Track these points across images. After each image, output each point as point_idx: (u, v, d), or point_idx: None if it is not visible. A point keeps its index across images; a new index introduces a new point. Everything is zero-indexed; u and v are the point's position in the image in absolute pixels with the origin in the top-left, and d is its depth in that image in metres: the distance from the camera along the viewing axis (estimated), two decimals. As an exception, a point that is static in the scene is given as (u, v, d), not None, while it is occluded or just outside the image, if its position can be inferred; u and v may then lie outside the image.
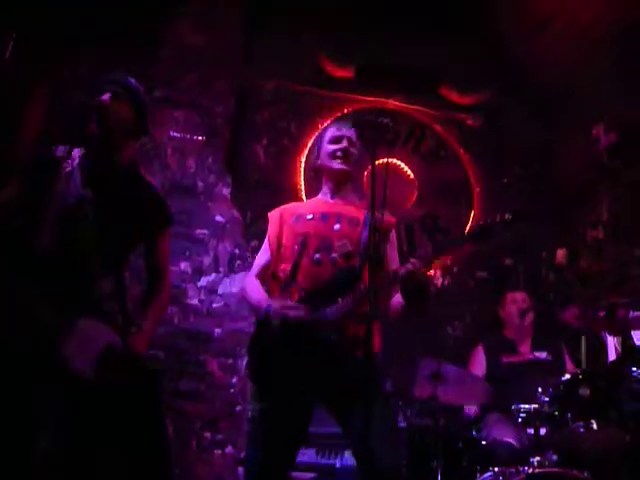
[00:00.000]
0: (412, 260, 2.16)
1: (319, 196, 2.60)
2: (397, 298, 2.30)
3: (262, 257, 2.51)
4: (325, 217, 2.42)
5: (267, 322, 2.21)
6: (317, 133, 2.58)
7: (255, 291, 2.40)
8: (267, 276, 2.44)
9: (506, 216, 2.13)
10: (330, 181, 2.55)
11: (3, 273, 1.97)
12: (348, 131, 2.54)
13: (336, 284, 2.24)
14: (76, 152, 2.12)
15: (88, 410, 1.98)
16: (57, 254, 2.00)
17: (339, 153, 2.49)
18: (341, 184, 2.53)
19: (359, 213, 2.45)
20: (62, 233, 2.01)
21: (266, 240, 2.52)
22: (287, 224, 2.46)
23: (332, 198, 2.53)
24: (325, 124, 4.54)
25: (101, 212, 2.05)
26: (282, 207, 2.60)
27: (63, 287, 1.98)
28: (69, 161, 2.06)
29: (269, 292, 2.39)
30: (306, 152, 4.49)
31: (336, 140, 2.53)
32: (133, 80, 2.24)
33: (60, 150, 2.11)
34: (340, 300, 2.19)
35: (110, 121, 2.11)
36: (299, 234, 2.38)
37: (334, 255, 2.30)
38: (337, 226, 2.38)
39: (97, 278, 2.04)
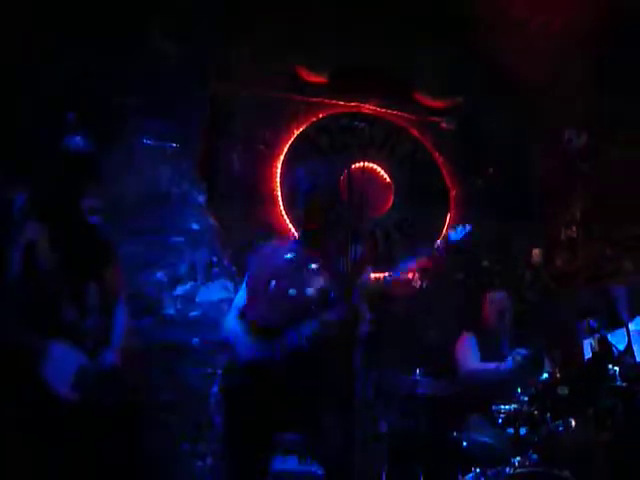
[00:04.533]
0: None
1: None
2: None
3: (242, 295, 2.77)
4: (302, 257, 2.65)
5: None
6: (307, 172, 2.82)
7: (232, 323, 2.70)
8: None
9: None
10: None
11: None
12: None
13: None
14: (23, 195, 2.37)
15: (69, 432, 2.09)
16: (24, 283, 2.13)
17: None
18: None
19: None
20: (26, 264, 2.14)
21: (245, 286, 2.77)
22: (263, 262, 2.74)
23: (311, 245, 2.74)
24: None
25: (57, 247, 2.21)
26: (259, 248, 2.90)
27: (32, 314, 2.10)
28: (19, 202, 2.33)
29: None
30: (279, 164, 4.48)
31: None
32: (85, 143, 2.37)
33: (8, 191, 2.37)
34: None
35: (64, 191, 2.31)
36: (275, 269, 2.63)
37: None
38: (314, 265, 2.62)
39: (63, 305, 2.17)
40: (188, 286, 3.89)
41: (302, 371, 2.44)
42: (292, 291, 2.55)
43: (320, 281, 2.57)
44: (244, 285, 2.81)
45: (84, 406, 2.12)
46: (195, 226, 4.02)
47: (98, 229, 2.46)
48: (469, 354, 3.68)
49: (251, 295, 2.71)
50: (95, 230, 2.43)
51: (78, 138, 2.36)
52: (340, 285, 2.56)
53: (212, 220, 4.07)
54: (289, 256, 2.66)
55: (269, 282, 2.61)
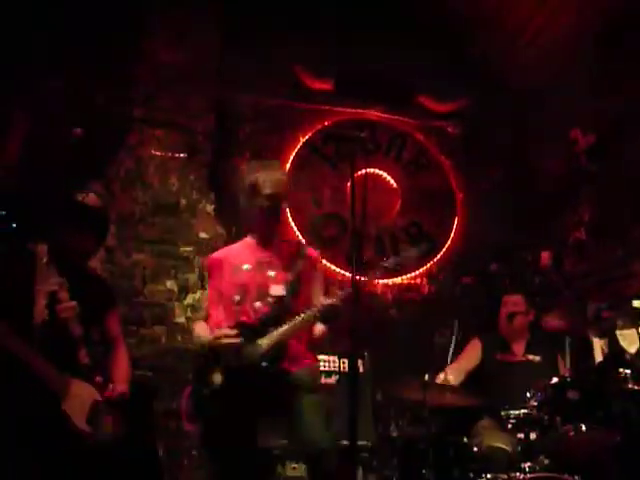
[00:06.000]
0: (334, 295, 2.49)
1: (249, 239, 2.78)
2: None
3: (211, 307, 2.76)
4: (260, 265, 2.64)
5: (207, 354, 2.51)
6: (245, 173, 2.74)
7: (199, 331, 2.67)
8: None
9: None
10: (262, 228, 2.72)
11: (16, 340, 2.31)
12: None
13: (267, 320, 2.52)
14: (42, 246, 2.53)
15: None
16: (47, 329, 2.38)
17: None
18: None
19: (288, 251, 2.71)
20: (49, 312, 2.41)
21: (209, 290, 2.80)
22: (226, 274, 2.68)
23: (264, 244, 2.72)
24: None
25: (73, 296, 2.49)
26: (215, 256, 2.81)
27: (53, 356, 2.35)
28: (42, 253, 2.49)
29: None
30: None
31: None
32: (99, 202, 2.61)
33: (32, 245, 2.54)
34: (271, 331, 2.47)
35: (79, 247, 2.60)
36: (238, 284, 2.63)
37: (270, 300, 2.57)
38: (272, 273, 2.62)
39: (78, 349, 2.44)
40: (198, 295, 3.92)
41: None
42: (257, 304, 2.57)
43: (278, 289, 2.58)
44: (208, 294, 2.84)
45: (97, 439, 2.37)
46: (204, 235, 4.05)
47: (98, 277, 2.85)
48: (456, 364, 3.67)
49: (216, 307, 2.72)
50: (96, 279, 2.79)
51: (92, 195, 2.59)
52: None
53: (220, 229, 4.10)
54: (247, 267, 2.65)
55: (233, 298, 2.62)
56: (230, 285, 2.66)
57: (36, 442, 2.25)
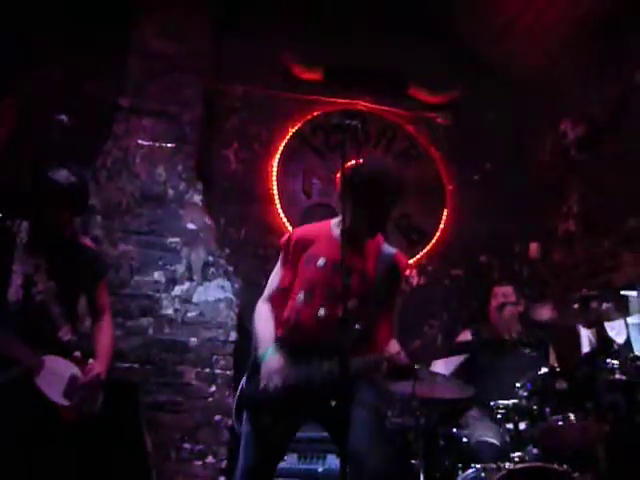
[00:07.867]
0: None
1: (334, 228, 2.40)
2: None
3: (275, 280, 2.44)
4: (338, 267, 2.19)
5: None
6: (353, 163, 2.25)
7: (262, 325, 2.34)
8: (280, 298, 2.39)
9: None
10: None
11: None
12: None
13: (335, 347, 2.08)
14: (24, 225, 2.52)
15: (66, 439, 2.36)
16: (23, 310, 2.40)
17: None
18: None
19: (373, 256, 2.36)
20: (25, 293, 2.41)
21: (279, 264, 2.44)
22: (298, 260, 2.36)
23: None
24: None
25: (53, 276, 2.49)
26: (297, 234, 2.46)
27: (30, 335, 2.36)
28: (20, 232, 2.48)
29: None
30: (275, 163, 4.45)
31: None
32: (71, 178, 2.52)
33: (9, 221, 2.51)
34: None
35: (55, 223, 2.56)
36: (307, 279, 2.31)
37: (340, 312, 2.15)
38: (348, 281, 2.18)
39: (58, 328, 2.46)
40: (185, 286, 3.89)
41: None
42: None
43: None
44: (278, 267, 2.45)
45: (76, 412, 2.41)
46: (191, 226, 4.01)
47: (87, 248, 2.76)
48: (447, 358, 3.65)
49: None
50: (84, 250, 2.72)
51: (64, 172, 2.51)
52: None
53: (208, 220, 4.06)
54: (321, 263, 2.30)
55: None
56: (298, 275, 2.35)
57: (12, 420, 2.27)
